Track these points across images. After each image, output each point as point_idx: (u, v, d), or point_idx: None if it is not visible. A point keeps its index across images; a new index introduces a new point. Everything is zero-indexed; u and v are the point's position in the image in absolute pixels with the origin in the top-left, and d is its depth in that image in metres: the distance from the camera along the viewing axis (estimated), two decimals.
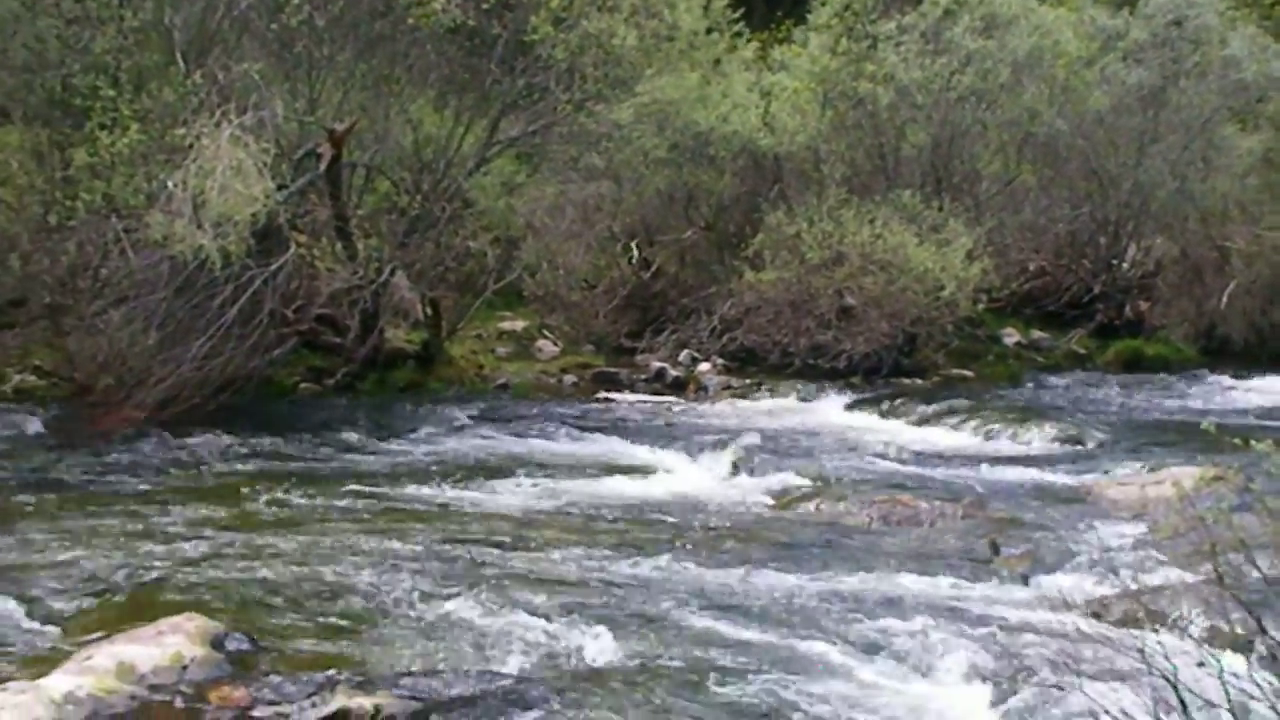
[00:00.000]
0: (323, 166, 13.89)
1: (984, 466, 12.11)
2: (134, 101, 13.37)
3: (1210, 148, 19.56)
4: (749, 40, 18.32)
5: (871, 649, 7.27)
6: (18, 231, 13.36)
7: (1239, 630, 6.33)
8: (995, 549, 9.35)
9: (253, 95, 13.13)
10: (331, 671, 6.43)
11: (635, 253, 18.39)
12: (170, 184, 12.11)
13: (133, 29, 14.09)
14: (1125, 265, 20.30)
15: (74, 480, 10.56)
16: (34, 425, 12.37)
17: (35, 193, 13.57)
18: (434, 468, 11.53)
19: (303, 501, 10.14)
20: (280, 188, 13.06)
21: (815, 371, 16.55)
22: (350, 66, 15.14)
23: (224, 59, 14.10)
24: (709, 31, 17.39)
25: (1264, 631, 5.37)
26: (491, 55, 15.18)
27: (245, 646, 6.79)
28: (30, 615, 7.25)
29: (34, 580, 7.82)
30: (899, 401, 15.24)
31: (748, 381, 16.48)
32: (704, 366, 16.91)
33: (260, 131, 12.66)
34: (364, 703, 5.94)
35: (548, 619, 7.45)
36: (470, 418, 13.89)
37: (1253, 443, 5.30)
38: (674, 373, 16.62)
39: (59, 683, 5.91)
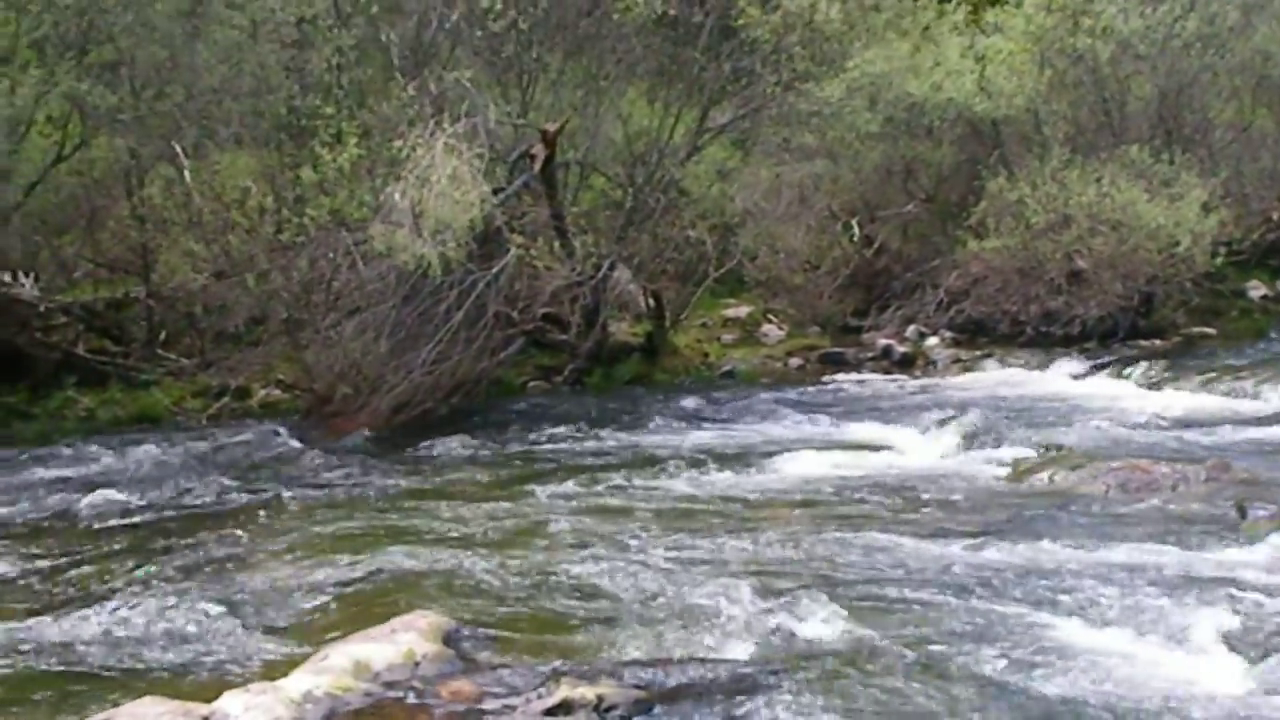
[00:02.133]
0: (537, 167, 14.09)
1: (1228, 427, 11.61)
2: (354, 118, 13.83)
3: None
4: (958, 4, 17.88)
5: (1115, 620, 7.03)
6: (254, 251, 13.92)
7: None
8: (1243, 512, 8.95)
9: (466, 103, 13.41)
10: (557, 663, 6.50)
11: (856, 230, 18.15)
12: (391, 196, 12.44)
13: (349, 47, 14.57)
14: None
15: (314, 487, 10.94)
16: (279, 436, 12.82)
17: (268, 213, 14.11)
18: (660, 457, 11.57)
19: (531, 497, 10.29)
20: (496, 191, 13.32)
21: (1047, 339, 16.10)
22: (559, 67, 15.36)
23: (438, 70, 14.45)
24: None
25: None
26: (697, 43, 15.18)
27: (475, 641, 6.92)
28: (271, 617, 7.53)
29: (275, 584, 8.11)
30: (1136, 364, 14.72)
31: (977, 353, 16.14)
32: (932, 341, 16.62)
33: (474, 138, 12.92)
34: (587, 693, 5.99)
35: (774, 602, 7.39)
36: (696, 405, 13.92)
37: None
38: (901, 349, 16.37)
39: (298, 682, 6.10)
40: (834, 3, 14.86)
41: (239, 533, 9.48)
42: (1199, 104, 17.61)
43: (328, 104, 13.91)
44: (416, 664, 6.50)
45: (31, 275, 13.75)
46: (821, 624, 7.07)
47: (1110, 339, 16.01)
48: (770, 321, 17.75)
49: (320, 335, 13.26)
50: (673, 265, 16.19)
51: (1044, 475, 10.38)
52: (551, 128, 14.15)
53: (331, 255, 13.26)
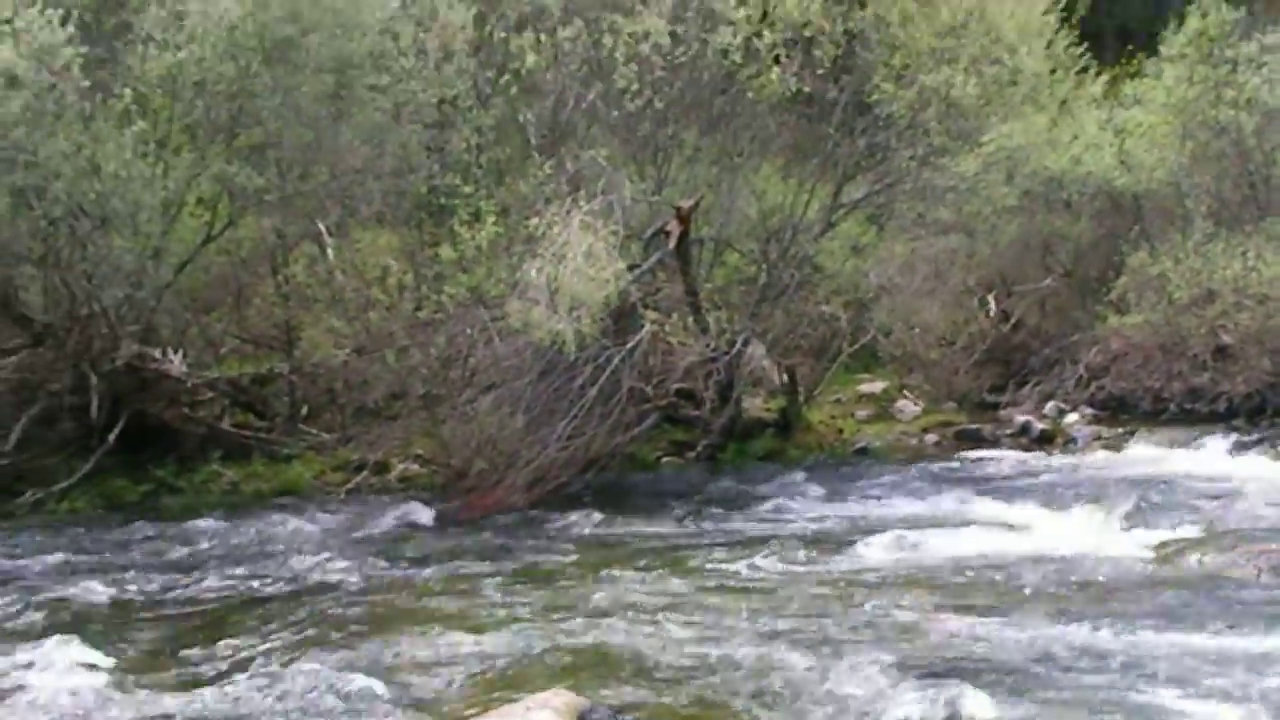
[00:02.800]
0: (671, 243, 14.18)
1: None
2: (492, 196, 14.07)
3: None
4: (1096, 76, 17.70)
5: (1269, 710, 6.79)
6: (394, 328, 14.17)
7: None
8: None
9: (601, 180, 13.57)
10: None
11: (993, 305, 17.97)
12: (528, 273, 12.60)
13: (488, 127, 14.86)
14: None
15: (450, 562, 11.00)
16: (417, 511, 12.95)
17: (408, 290, 14.37)
18: (797, 535, 11.49)
19: (667, 574, 10.26)
20: (631, 268, 13.42)
21: (1192, 416, 15.70)
22: (694, 144, 15.48)
23: (574, 148, 14.65)
24: (1053, 71, 16.92)
25: None
26: (831, 119, 15.20)
27: None
28: (409, 693, 7.56)
29: (412, 659, 8.17)
30: None
31: (1119, 431, 15.80)
32: (1071, 417, 16.32)
33: (609, 215, 13.05)
34: None
35: (920, 687, 7.24)
36: (831, 483, 13.80)
37: None
38: (1040, 426, 16.10)
39: None
40: (970, 77, 14.78)
41: (378, 607, 9.58)
42: None
43: (467, 183, 14.18)
44: None
45: (180, 352, 14.11)
46: (970, 710, 6.91)
47: (1258, 416, 15.56)
48: (905, 397, 17.60)
49: (457, 411, 13.42)
50: (806, 341, 16.14)
51: (1192, 558, 10.09)
52: (686, 204, 14.24)
53: (469, 331, 13.44)
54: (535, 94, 15.54)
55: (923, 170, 15.51)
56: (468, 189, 14.02)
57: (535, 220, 12.85)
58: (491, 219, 13.35)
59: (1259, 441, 14.61)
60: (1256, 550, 9.86)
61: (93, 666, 8.17)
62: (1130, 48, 19.89)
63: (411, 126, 14.56)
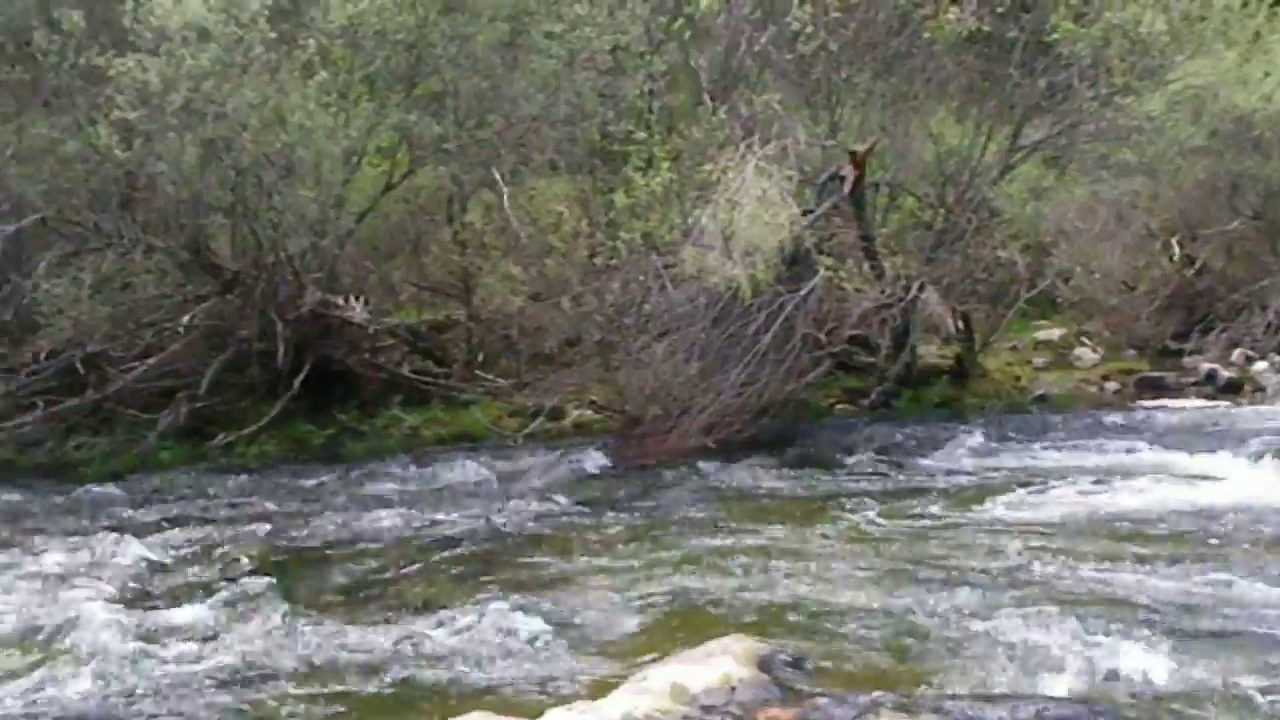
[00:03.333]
0: (846, 189, 14.01)
1: None
2: (665, 142, 14.07)
3: None
4: None
5: None
6: (569, 274, 14.30)
7: None
8: None
9: (775, 125, 13.46)
10: (876, 693, 6.42)
11: (1176, 250, 17.44)
12: (701, 219, 12.59)
13: (661, 73, 14.84)
14: None
15: (626, 508, 11.13)
16: (592, 457, 13.10)
17: (582, 237, 14.47)
18: (972, 483, 11.39)
19: (842, 522, 10.25)
20: (805, 213, 13.31)
21: None
22: (868, 87, 15.25)
23: (746, 93, 14.55)
24: (1244, 4, 16.29)
25: None
26: (1010, 59, 14.85)
27: (791, 667, 6.90)
28: (590, 637, 7.70)
29: (593, 604, 8.31)
30: None
31: None
32: (1260, 365, 15.79)
33: (783, 160, 12.94)
34: None
35: (1099, 637, 7.16)
36: (1008, 431, 13.59)
37: None
38: (1226, 374, 15.60)
39: (617, 703, 6.21)
40: (1157, 13, 14.30)
41: (557, 551, 9.75)
42: None
43: (640, 129, 14.20)
44: (733, 689, 6.51)
45: (362, 299, 14.40)
46: (1146, 662, 6.80)
47: None
48: (1084, 344, 17.21)
49: (631, 357, 13.50)
50: (983, 287, 15.82)
51: None
52: (860, 148, 14.06)
53: (643, 278, 13.49)
54: (707, 39, 15.47)
55: (1105, 110, 15.03)
56: (641, 135, 14.04)
57: (708, 166, 12.80)
58: (665, 165, 13.36)
59: None
60: None
61: (285, 604, 8.46)
62: None
63: (585, 73, 14.60)
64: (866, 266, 14.25)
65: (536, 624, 7.80)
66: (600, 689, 6.66)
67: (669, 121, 14.93)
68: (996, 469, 12.03)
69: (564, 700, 6.57)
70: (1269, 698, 6.36)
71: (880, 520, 10.25)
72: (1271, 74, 16.07)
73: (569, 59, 14.49)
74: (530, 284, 14.63)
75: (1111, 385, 15.86)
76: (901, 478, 11.92)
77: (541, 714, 6.16)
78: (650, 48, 14.92)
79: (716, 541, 9.75)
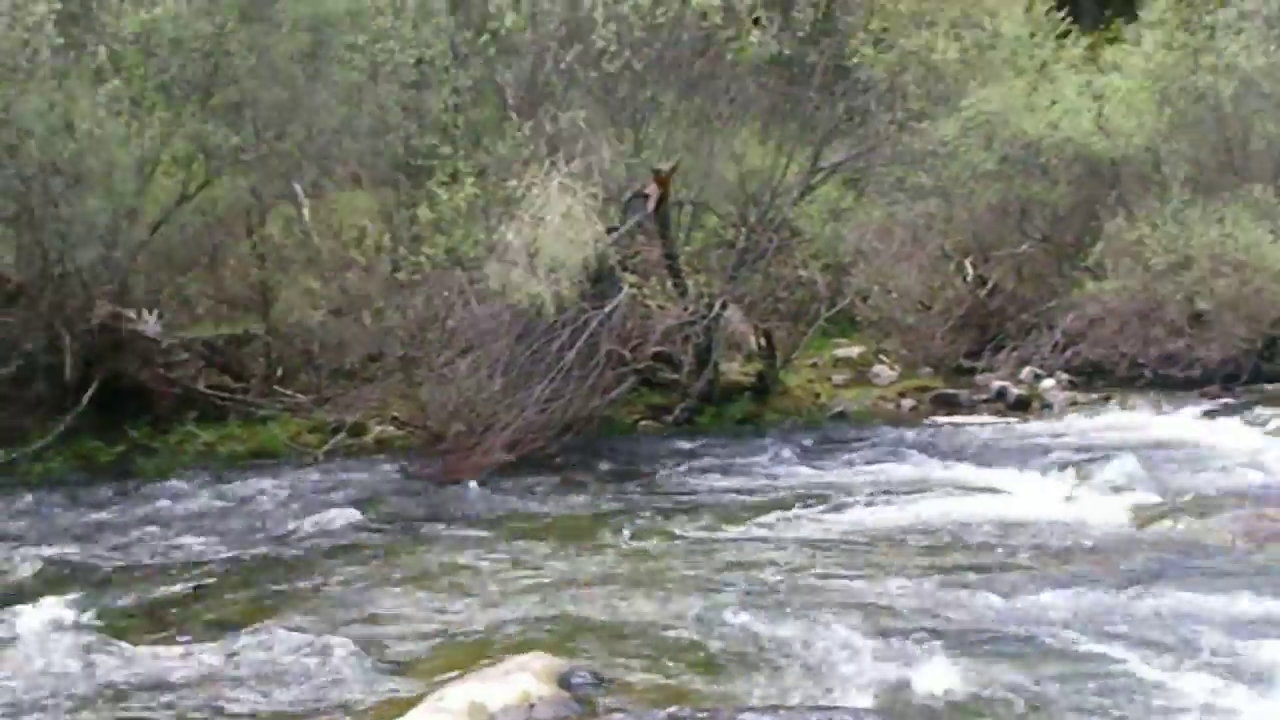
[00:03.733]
0: (650, 206, 14.14)
1: None
2: (470, 157, 13.99)
3: None
4: (1077, 40, 17.68)
5: (1245, 674, 6.84)
6: (371, 289, 14.09)
7: None
8: None
9: (580, 143, 13.51)
10: (674, 709, 6.45)
11: (970, 270, 18.00)
12: (506, 234, 12.55)
13: (466, 88, 14.75)
14: None
15: (427, 525, 10.98)
16: (394, 474, 12.94)
17: (385, 251, 14.29)
18: (772, 498, 11.50)
19: (643, 537, 10.27)
20: (610, 230, 13.38)
21: (1167, 382, 15.79)
22: (673, 106, 15.41)
23: (552, 110, 14.57)
24: (1032, 35, 16.90)
25: None
26: (811, 83, 15.15)
27: (591, 683, 6.89)
28: (386, 655, 7.55)
29: (387, 623, 8.18)
30: (1260, 409, 14.35)
31: (1095, 396, 15.85)
32: (1047, 383, 16.36)
33: (588, 177, 13.02)
34: None
35: (893, 649, 7.30)
36: (808, 446, 13.82)
37: None
38: (1016, 391, 16.13)
39: None
40: (950, 41, 14.74)
41: (355, 570, 9.56)
42: None
43: (444, 144, 14.09)
44: (532, 706, 6.48)
45: (155, 312, 13.99)
46: (941, 673, 6.94)
47: (1233, 383, 15.64)
48: (882, 362, 17.61)
49: (434, 373, 13.37)
50: (784, 305, 16.12)
51: (1167, 523, 10.15)
52: (665, 167, 14.19)
53: (446, 294, 13.37)
54: (513, 54, 15.43)
55: (901, 134, 15.48)
56: (445, 150, 13.94)
57: (513, 182, 12.80)
58: (469, 180, 13.28)
59: (1234, 408, 14.69)
60: (1230, 516, 9.93)
61: (72, 627, 8.14)
62: (1109, 13, 19.88)
63: (388, 86, 14.44)
64: (670, 284, 14.38)
65: (332, 643, 7.62)
66: (397, 709, 6.55)
67: (474, 136, 14.83)
68: (795, 484, 12.18)
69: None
70: (1054, 705, 6.54)
71: (681, 535, 10.30)
72: (1058, 102, 16.71)
73: (372, 71, 14.32)
74: (331, 298, 14.37)
75: (908, 402, 16.26)
76: (703, 493, 11.99)
77: None
78: (455, 62, 14.81)
79: (518, 558, 9.69)
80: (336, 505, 11.72)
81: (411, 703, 6.51)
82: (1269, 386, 15.62)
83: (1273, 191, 15.96)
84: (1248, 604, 8.03)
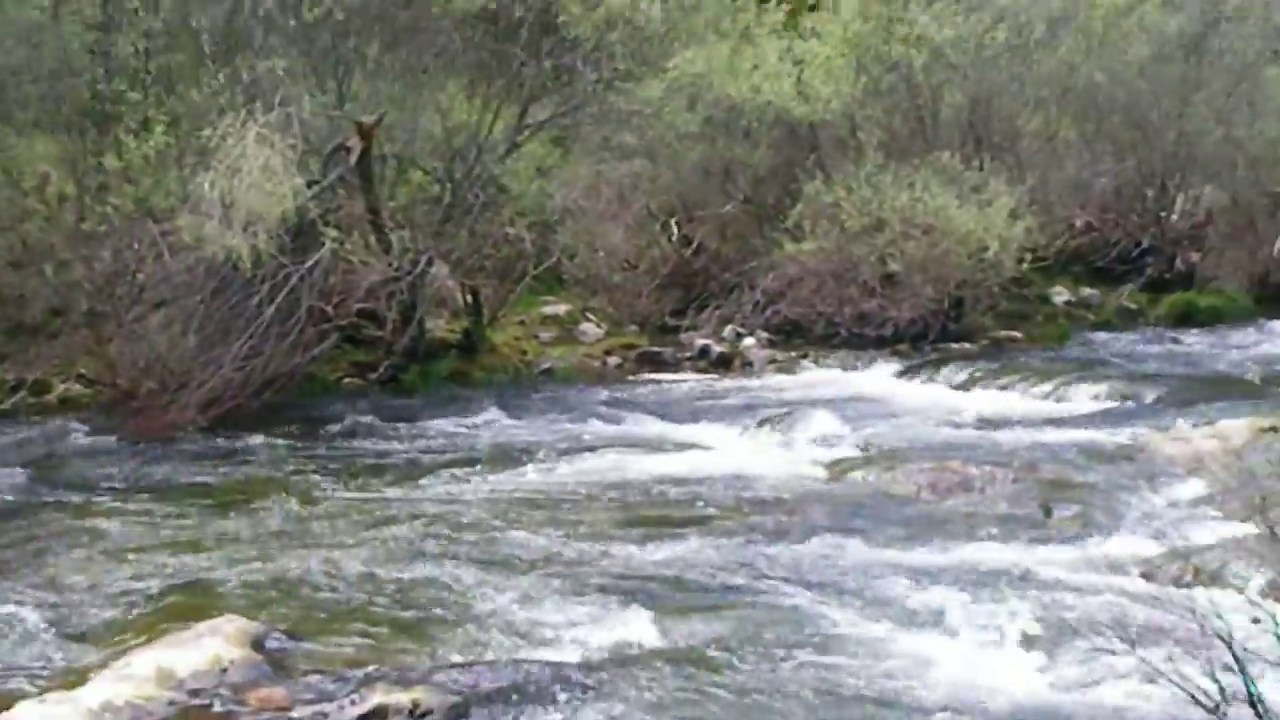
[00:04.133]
0: (353, 160, 13.83)
1: (1034, 428, 11.93)
2: (162, 104, 13.39)
3: (1256, 92, 19.14)
4: (778, 5, 18.05)
5: (923, 618, 7.19)
6: (53, 240, 13.37)
7: None
8: (1048, 512, 9.21)
9: (279, 93, 13.08)
10: (371, 668, 6.37)
11: (675, 230, 18.23)
12: (200, 186, 12.08)
13: (158, 31, 14.10)
14: (1174, 216, 19.94)
15: (116, 486, 10.54)
16: (79, 433, 12.33)
17: (69, 201, 13.58)
18: (477, 456, 11.46)
19: (343, 497, 10.10)
20: (311, 184, 13.04)
21: (861, 340, 16.37)
22: (377, 58, 15.07)
23: (250, 58, 14.07)
24: (735, 0, 17.17)
25: None
26: (517, 39, 15.05)
27: (285, 646, 6.76)
28: (70, 622, 7.23)
29: (74, 588, 7.82)
30: (947, 367, 15.07)
31: (793, 354, 16.32)
32: (748, 341, 16.75)
33: (288, 128, 12.59)
34: (402, 698, 5.87)
35: (590, 603, 7.40)
36: (514, 404, 13.79)
37: None
38: (718, 349, 16.46)
39: (96, 691, 5.87)
40: (655, 2, 14.86)
41: (34, 532, 9.11)
42: (1007, 113, 18.13)
43: (134, 89, 13.43)
44: (224, 670, 6.30)
45: None
46: (637, 625, 7.08)
47: (921, 341, 16.34)
48: (589, 320, 17.70)
49: (124, 329, 12.81)
50: (491, 262, 16.02)
51: (858, 476, 10.56)
52: (368, 120, 13.88)
53: (136, 246, 12.83)
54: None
55: (607, 94, 15.54)
56: (135, 96, 13.29)
57: (208, 132, 12.31)
58: (160, 129, 12.71)
59: (922, 366, 15.36)
60: (916, 469, 10.37)
61: None
62: None
63: (71, 26, 13.67)
64: (374, 240, 14.12)
65: (10, 611, 7.24)
66: (80, 677, 6.26)
67: (167, 83, 14.19)
68: (500, 441, 12.16)
69: (38, 691, 6.13)
70: (741, 653, 6.70)
71: (382, 494, 10.18)
72: (760, 66, 17.02)
73: (53, 10, 13.54)
74: (9, 250, 13.55)
75: (614, 360, 16.40)
76: (404, 452, 11.84)
77: (10, 708, 5.70)
78: (145, 4, 14.12)
79: (211, 520, 9.40)
80: (16, 467, 11.12)
81: (95, 671, 6.23)
82: (954, 345, 16.43)
83: (959, 159, 16.65)
84: (927, 553, 8.41)
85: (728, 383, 15.28)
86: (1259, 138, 19.15)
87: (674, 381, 15.31)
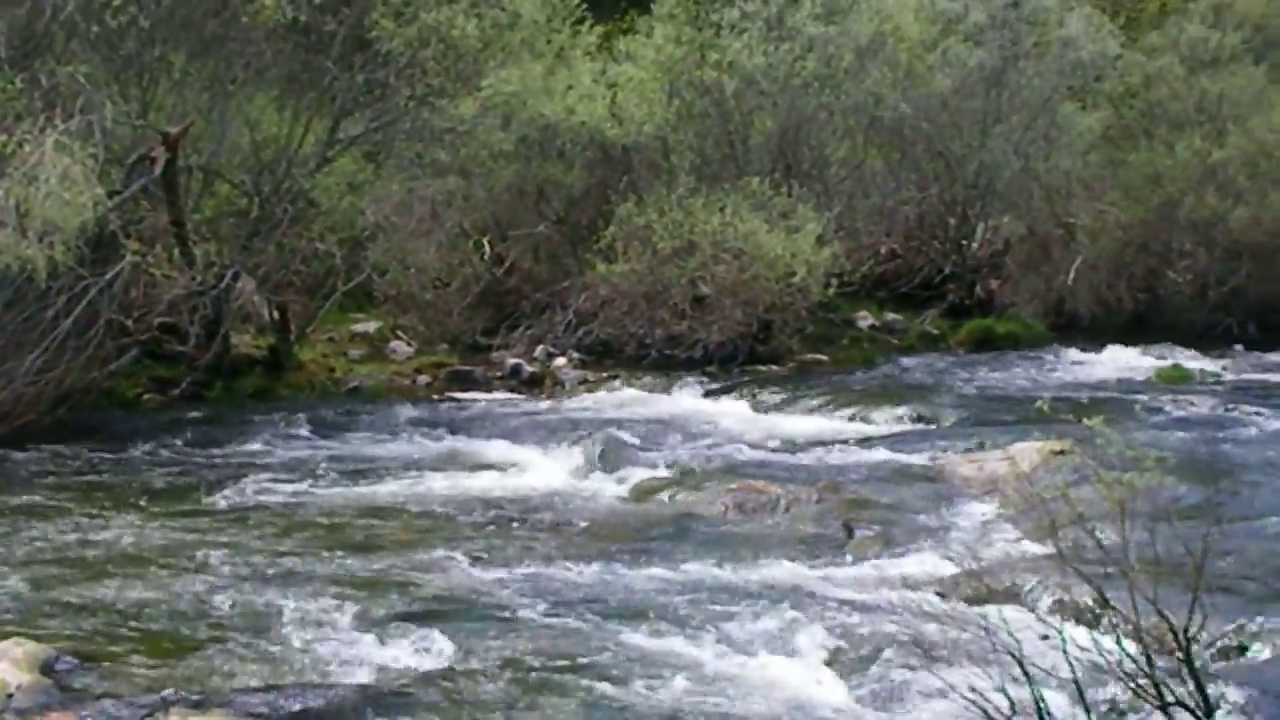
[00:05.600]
0: (157, 170, 13.50)
1: (839, 449, 12.15)
2: None
3: (1052, 126, 19.85)
4: (593, 28, 18.17)
5: (725, 638, 7.27)
6: None
7: (1081, 602, 6.41)
8: (849, 531, 9.41)
9: (80, 99, 12.71)
10: (167, 691, 6.21)
11: (487, 249, 18.14)
12: None
13: None
14: (974, 245, 20.52)
15: None
16: None
17: None
18: (279, 475, 11.25)
19: (141, 516, 9.83)
20: (112, 194, 12.68)
21: (671, 362, 16.49)
22: (184, 67, 14.75)
23: (50, 63, 13.64)
24: (549, 20, 17.21)
25: (1105, 603, 5.42)
26: (329, 52, 14.87)
27: (78, 670, 6.56)
28: None
29: None
30: (754, 389, 15.27)
31: (604, 375, 16.36)
32: (560, 361, 16.76)
33: (89, 136, 12.25)
34: None
35: (393, 625, 7.33)
36: (320, 422, 13.56)
37: (1085, 420, 5.37)
38: (530, 369, 16.44)
39: None
40: (470, 19, 14.81)
41: None
42: (816, 141, 18.47)
43: None
44: (10, 695, 6.10)
45: None
46: (436, 647, 7.05)
47: (730, 364, 16.53)
48: (399, 338, 17.53)
49: None
50: (299, 278, 15.76)
51: (665, 496, 10.65)
52: (174, 130, 13.57)
53: None
54: (7, 2, 14.33)
55: (421, 110, 15.45)
56: None
57: (3, 138, 11.89)
58: None
59: (730, 388, 15.54)
60: (723, 489, 10.49)
61: None
62: (624, 4, 20.52)
63: None
64: (178, 252, 13.75)
65: None
66: None
67: None
68: (303, 460, 11.97)
69: None
70: (540, 676, 6.71)
71: (181, 514, 9.95)
72: (574, 87, 17.11)
73: None
74: None
75: (424, 378, 16.27)
76: (206, 470, 11.59)
77: None
78: None
79: (3, 540, 9.03)
80: None
81: None
82: (762, 367, 16.66)
83: (769, 184, 16.93)
84: (731, 572, 8.51)
85: (538, 403, 15.26)
86: (1055, 170, 19.88)
87: (484, 401, 15.24)
